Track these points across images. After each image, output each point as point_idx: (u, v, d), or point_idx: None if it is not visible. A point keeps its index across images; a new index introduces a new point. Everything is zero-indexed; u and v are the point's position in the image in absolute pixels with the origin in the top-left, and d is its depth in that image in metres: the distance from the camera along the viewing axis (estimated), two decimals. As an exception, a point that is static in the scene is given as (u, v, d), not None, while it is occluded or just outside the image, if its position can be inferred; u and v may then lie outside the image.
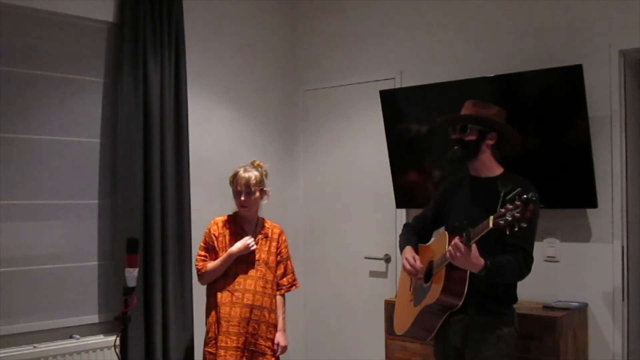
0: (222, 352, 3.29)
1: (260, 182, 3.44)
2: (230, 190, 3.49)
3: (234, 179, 3.43)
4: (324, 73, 4.66)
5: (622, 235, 3.32)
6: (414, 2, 4.16)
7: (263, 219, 3.55)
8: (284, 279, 3.53)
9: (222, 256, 3.37)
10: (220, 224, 3.48)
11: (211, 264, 3.40)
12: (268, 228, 3.52)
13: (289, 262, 3.56)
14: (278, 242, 3.51)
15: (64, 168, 3.67)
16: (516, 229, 2.41)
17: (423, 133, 3.93)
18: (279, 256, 3.50)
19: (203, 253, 3.45)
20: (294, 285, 3.57)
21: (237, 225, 3.48)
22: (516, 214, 2.38)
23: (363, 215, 4.45)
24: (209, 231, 3.47)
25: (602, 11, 3.37)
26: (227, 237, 3.44)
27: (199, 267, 3.43)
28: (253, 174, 3.42)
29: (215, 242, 3.43)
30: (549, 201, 3.02)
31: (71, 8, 3.64)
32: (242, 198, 3.39)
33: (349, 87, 4.52)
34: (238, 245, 3.37)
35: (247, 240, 3.38)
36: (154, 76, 3.82)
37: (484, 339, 2.75)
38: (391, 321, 3.24)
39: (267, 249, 3.47)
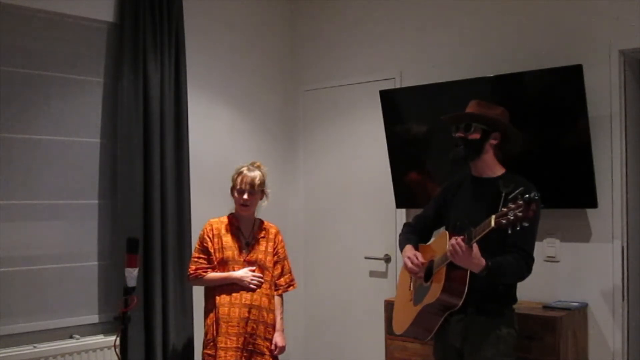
0: (222, 352, 3.29)
1: (263, 183, 3.46)
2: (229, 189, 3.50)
3: (239, 177, 3.42)
4: (324, 73, 4.66)
5: (622, 235, 3.32)
6: (414, 2, 4.16)
7: (260, 219, 3.55)
8: (282, 279, 3.53)
9: (224, 274, 3.38)
10: (215, 225, 3.47)
11: (212, 276, 3.40)
12: (265, 228, 3.52)
13: (286, 262, 3.56)
14: (275, 242, 3.52)
15: (64, 168, 3.67)
16: (518, 229, 2.41)
17: (423, 133, 3.93)
18: (275, 256, 3.50)
19: (197, 255, 3.45)
20: (292, 285, 3.58)
21: (233, 225, 3.48)
22: (518, 213, 2.38)
23: (363, 215, 4.45)
24: (203, 233, 3.47)
25: (602, 11, 3.37)
26: (223, 238, 3.43)
27: (192, 270, 3.43)
28: (258, 174, 3.43)
29: (210, 244, 3.43)
30: (549, 201, 3.01)
31: (71, 8, 3.64)
32: (245, 197, 3.39)
33: (349, 87, 4.52)
34: (240, 273, 3.37)
35: (250, 275, 3.37)
36: (154, 76, 3.82)
37: (483, 339, 2.75)
38: (391, 321, 3.24)
39: (264, 249, 3.47)
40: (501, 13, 3.75)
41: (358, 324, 4.43)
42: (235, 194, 3.44)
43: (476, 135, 2.84)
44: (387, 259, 4.31)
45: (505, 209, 2.43)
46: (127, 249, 2.80)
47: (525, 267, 2.71)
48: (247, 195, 3.40)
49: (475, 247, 2.58)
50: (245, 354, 3.32)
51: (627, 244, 3.34)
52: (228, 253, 3.40)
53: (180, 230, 3.92)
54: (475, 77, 3.63)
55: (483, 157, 2.87)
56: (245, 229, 3.49)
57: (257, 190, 3.42)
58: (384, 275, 4.34)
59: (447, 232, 2.84)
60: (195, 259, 3.45)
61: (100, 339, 3.64)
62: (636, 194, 3.46)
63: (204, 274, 3.41)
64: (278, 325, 3.45)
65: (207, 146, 4.25)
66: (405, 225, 3.23)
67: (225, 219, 3.51)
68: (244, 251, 3.43)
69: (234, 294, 3.35)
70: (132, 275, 2.77)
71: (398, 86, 4.18)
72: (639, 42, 3.25)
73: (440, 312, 2.80)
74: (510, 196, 2.50)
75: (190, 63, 4.05)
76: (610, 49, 3.33)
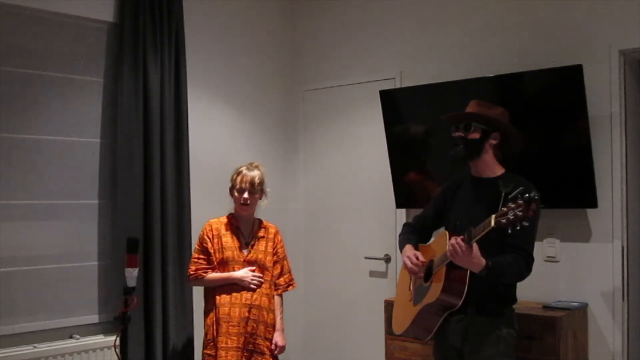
0: (222, 352, 3.28)
1: (263, 182, 3.47)
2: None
3: (238, 176, 3.43)
4: (324, 73, 4.66)
5: (622, 235, 3.32)
6: (414, 2, 4.16)
7: (259, 219, 3.56)
8: (281, 279, 3.53)
9: (224, 274, 3.38)
10: (215, 226, 3.47)
11: (212, 276, 3.39)
12: (264, 228, 3.53)
13: (285, 262, 3.57)
14: (274, 242, 3.52)
15: (64, 168, 3.67)
16: (518, 228, 2.40)
17: (423, 133, 3.93)
18: (275, 256, 3.51)
19: (197, 255, 3.45)
20: (291, 285, 3.59)
21: (233, 226, 3.48)
22: (518, 213, 2.38)
23: (363, 215, 4.45)
24: (203, 234, 3.47)
25: (602, 11, 3.37)
26: (223, 239, 3.43)
27: (192, 270, 3.42)
28: (257, 173, 3.44)
29: (210, 244, 3.42)
30: (549, 201, 3.01)
31: (71, 8, 3.64)
32: (245, 196, 3.39)
33: (349, 87, 4.52)
34: (241, 273, 3.37)
35: (250, 275, 3.37)
36: (154, 76, 3.82)
37: (483, 340, 2.75)
38: (391, 321, 3.24)
39: (263, 249, 3.47)
40: (501, 13, 3.75)
41: (358, 324, 4.43)
42: (235, 194, 3.44)
43: (476, 135, 2.84)
44: (387, 259, 4.31)
45: (505, 209, 2.43)
46: (127, 249, 2.80)
47: (525, 267, 2.71)
48: (247, 194, 3.40)
49: (475, 246, 2.58)
50: (245, 354, 3.32)
51: (627, 244, 3.34)
52: (228, 253, 3.40)
53: (180, 230, 3.92)
54: (475, 77, 3.63)
55: (483, 157, 2.87)
56: (245, 229, 3.49)
57: (257, 190, 3.43)
58: (384, 275, 4.34)
59: (446, 232, 2.84)
60: (195, 260, 3.44)
61: (100, 339, 3.64)
62: (636, 194, 3.46)
63: (204, 274, 3.41)
64: (278, 325, 3.45)
65: (207, 146, 4.25)
66: (405, 225, 3.23)
67: (224, 219, 3.51)
68: (243, 251, 3.43)
69: (234, 294, 3.35)
70: (132, 275, 2.77)
71: (398, 86, 4.18)
72: (639, 42, 3.25)
73: (440, 312, 2.80)
74: (510, 196, 2.49)
75: (190, 63, 4.05)
76: (610, 49, 3.33)
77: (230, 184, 3.49)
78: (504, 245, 2.68)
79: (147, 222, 3.77)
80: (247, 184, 3.40)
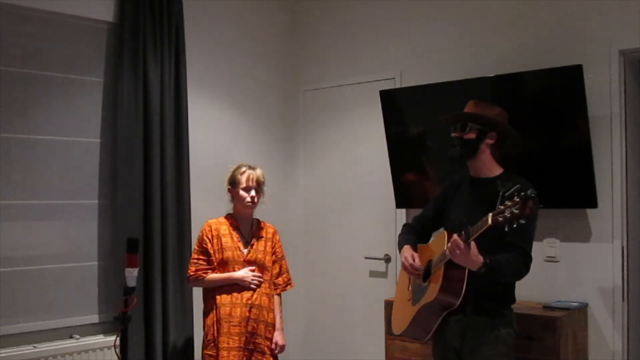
0: (224, 353, 3.28)
1: (265, 180, 3.47)
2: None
3: (243, 175, 3.42)
4: (324, 73, 4.66)
5: (622, 235, 3.32)
6: (414, 2, 4.16)
7: (257, 219, 3.56)
8: (279, 279, 3.54)
9: (224, 275, 3.37)
10: (214, 226, 3.47)
11: (212, 277, 3.39)
12: (263, 228, 3.53)
13: (283, 262, 3.58)
14: (273, 242, 3.53)
15: (64, 168, 3.67)
16: (515, 226, 2.40)
17: (423, 133, 3.93)
18: (274, 256, 3.51)
19: (197, 256, 3.44)
20: (289, 284, 3.60)
21: (232, 226, 3.48)
22: (515, 211, 2.37)
23: (363, 216, 4.45)
24: (202, 234, 3.46)
25: (602, 11, 3.37)
26: (223, 239, 3.43)
27: (192, 271, 3.42)
28: (260, 171, 3.46)
29: (209, 245, 3.42)
30: (549, 201, 3.02)
31: (71, 8, 3.65)
32: (252, 194, 3.40)
33: (349, 87, 4.52)
34: (241, 273, 3.37)
35: (250, 275, 3.37)
36: (154, 76, 3.82)
37: (482, 340, 2.75)
38: (391, 321, 3.24)
39: (263, 249, 3.47)
40: (501, 13, 3.75)
41: (358, 324, 4.43)
42: (241, 193, 3.42)
43: (472, 135, 2.84)
44: (387, 259, 4.31)
45: (502, 207, 2.42)
46: (127, 249, 2.80)
47: (523, 265, 2.71)
48: (255, 192, 3.41)
49: (473, 245, 2.58)
50: (246, 353, 3.33)
51: (627, 244, 3.34)
52: (228, 254, 3.40)
53: (180, 230, 3.92)
54: (475, 77, 3.63)
55: (479, 157, 2.87)
56: (244, 229, 3.49)
57: (262, 188, 3.44)
58: (384, 275, 4.33)
59: (445, 232, 2.84)
60: (195, 261, 3.44)
61: (100, 339, 3.64)
62: (636, 194, 3.46)
63: (204, 275, 3.40)
64: (278, 324, 3.46)
65: (207, 146, 4.25)
66: (404, 225, 3.23)
67: (223, 220, 3.51)
68: (243, 251, 3.43)
69: (235, 294, 3.35)
70: (132, 275, 2.77)
71: (398, 86, 4.18)
72: (639, 42, 3.25)
73: (439, 312, 2.80)
74: (507, 194, 2.49)
75: (190, 63, 4.06)
76: (610, 49, 3.33)
77: (227, 184, 3.49)
78: (502, 244, 2.68)
79: (147, 222, 3.77)
80: (254, 182, 3.41)
